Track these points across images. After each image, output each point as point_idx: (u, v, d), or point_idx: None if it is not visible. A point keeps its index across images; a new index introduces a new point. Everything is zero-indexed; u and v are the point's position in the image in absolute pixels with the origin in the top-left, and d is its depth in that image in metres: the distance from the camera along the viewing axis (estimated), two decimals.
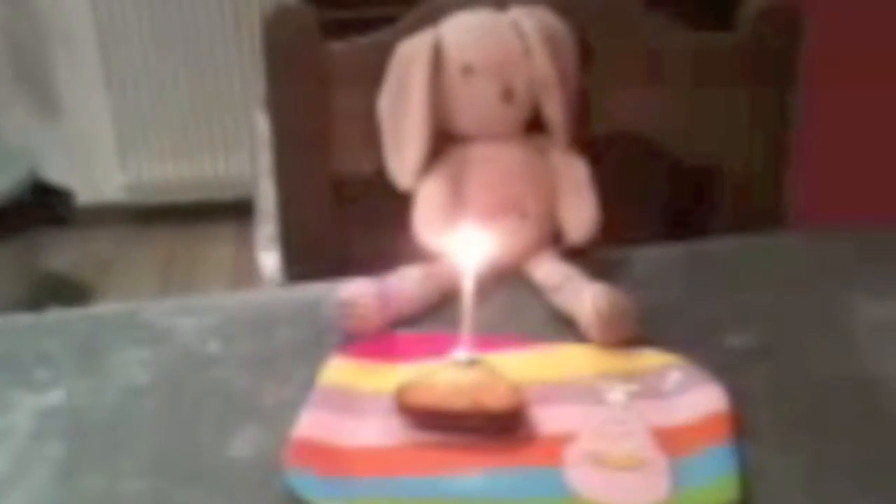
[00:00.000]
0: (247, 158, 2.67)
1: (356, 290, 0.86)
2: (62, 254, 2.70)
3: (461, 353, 0.78)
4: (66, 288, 2.58)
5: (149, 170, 2.81)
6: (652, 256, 0.99)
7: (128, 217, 2.85)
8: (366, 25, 1.05)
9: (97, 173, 2.80)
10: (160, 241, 2.79)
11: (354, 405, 0.79)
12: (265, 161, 2.38)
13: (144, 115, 2.75)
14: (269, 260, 2.42)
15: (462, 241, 0.81)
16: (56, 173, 2.60)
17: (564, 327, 0.87)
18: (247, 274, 2.48)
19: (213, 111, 2.76)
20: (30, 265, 2.52)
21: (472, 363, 0.78)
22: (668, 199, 1.33)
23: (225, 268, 2.67)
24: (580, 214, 0.95)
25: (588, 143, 0.99)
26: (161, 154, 2.79)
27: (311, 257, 1.08)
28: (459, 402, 0.76)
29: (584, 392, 0.80)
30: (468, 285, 0.78)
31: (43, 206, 2.52)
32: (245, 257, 2.53)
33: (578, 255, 0.94)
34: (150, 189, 2.82)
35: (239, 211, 2.61)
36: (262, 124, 2.38)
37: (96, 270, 2.68)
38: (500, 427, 0.76)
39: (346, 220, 1.07)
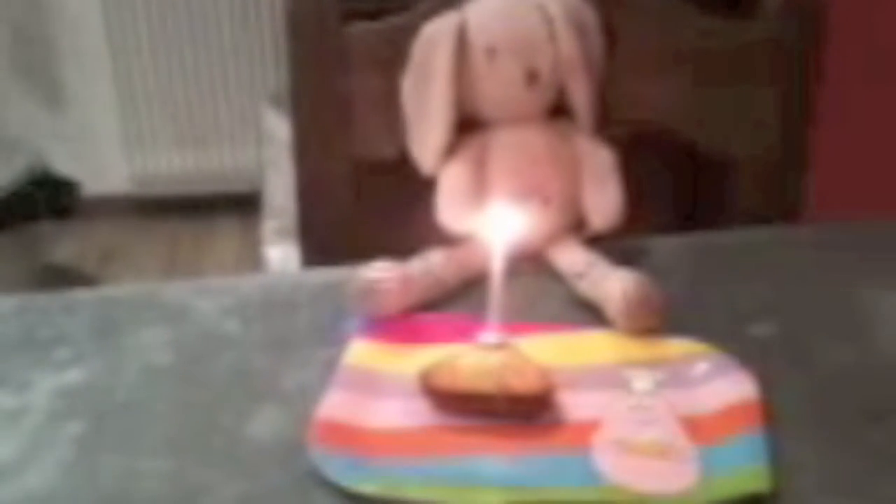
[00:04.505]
0: (253, 152, 2.66)
1: (379, 272, 0.85)
2: (66, 245, 2.69)
3: (489, 336, 0.77)
4: (70, 279, 2.57)
5: (154, 161, 2.79)
6: (671, 246, 0.98)
7: (132, 208, 2.83)
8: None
9: (102, 164, 2.79)
10: (164, 233, 2.78)
11: (378, 387, 0.78)
12: (272, 154, 2.37)
13: (151, 106, 2.74)
14: (275, 254, 2.41)
15: (492, 221, 0.80)
16: (61, 164, 2.59)
17: (588, 314, 0.86)
18: (251, 267, 2.47)
19: (219, 104, 2.75)
20: (34, 256, 2.52)
21: (499, 346, 0.76)
22: (682, 191, 1.32)
23: (229, 261, 2.66)
24: (604, 202, 0.94)
25: (609, 135, 0.98)
26: (167, 146, 2.78)
27: (330, 244, 1.06)
28: (486, 385, 0.74)
29: (611, 379, 0.79)
30: (497, 266, 0.77)
31: (47, 196, 2.52)
32: (249, 251, 2.52)
33: (598, 243, 0.93)
34: (155, 181, 2.81)
35: (244, 204, 2.60)
36: (269, 118, 2.37)
37: (100, 262, 2.67)
38: (526, 411, 0.75)
39: (367, 205, 1.06)
